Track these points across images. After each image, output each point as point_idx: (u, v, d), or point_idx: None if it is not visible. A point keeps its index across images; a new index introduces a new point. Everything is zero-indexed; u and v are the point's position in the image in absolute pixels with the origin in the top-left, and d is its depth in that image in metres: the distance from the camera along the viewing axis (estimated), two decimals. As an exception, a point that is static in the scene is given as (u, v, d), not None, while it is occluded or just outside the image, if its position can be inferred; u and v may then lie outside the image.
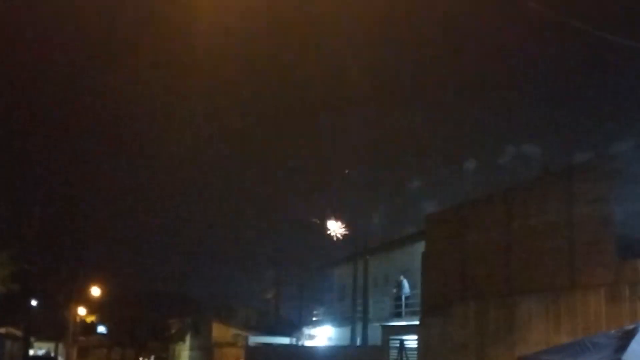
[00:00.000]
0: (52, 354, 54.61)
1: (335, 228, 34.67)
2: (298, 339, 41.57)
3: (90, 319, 55.93)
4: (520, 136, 56.57)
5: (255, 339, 43.20)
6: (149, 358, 58.10)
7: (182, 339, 55.77)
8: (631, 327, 9.78)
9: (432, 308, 22.10)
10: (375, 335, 29.29)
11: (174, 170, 68.89)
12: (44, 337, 52.07)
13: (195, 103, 63.64)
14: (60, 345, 51.29)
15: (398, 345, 25.06)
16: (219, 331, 49.07)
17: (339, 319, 36.51)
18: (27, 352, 45.04)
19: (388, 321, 29.14)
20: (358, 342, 31.01)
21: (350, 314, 32.22)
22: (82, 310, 51.55)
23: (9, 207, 42.45)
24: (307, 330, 40.81)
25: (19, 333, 47.23)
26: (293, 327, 46.18)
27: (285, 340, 42.30)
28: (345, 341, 32.86)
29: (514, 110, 59.20)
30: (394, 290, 29.62)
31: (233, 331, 48.36)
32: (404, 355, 24.54)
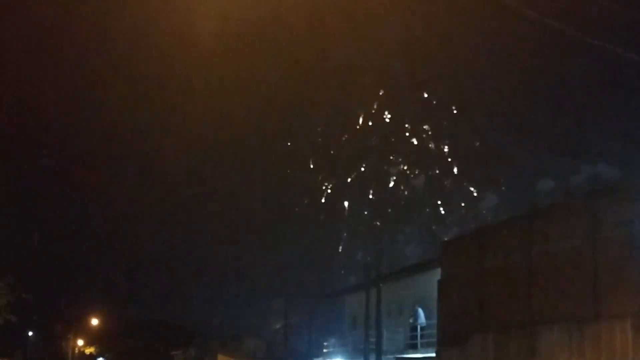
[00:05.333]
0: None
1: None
2: (308, 372, 41.37)
3: (89, 350, 55.79)
4: (541, 156, 56.35)
5: (263, 372, 42.96)
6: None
7: (186, 372, 55.58)
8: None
9: (450, 339, 21.99)
10: (389, 367, 29.09)
11: (177, 195, 68.86)
12: (41, 370, 52.00)
13: (196, 118, 63.61)
14: (58, 378, 51.13)
15: (413, 378, 24.92)
16: (225, 363, 48.83)
17: (351, 351, 36.34)
18: (24, 384, 44.99)
19: (403, 353, 28.98)
20: (371, 374, 30.87)
21: (362, 345, 32.07)
22: (80, 341, 51.49)
23: (6, 235, 42.67)
24: (318, 362, 40.65)
25: (15, 365, 47.21)
26: (302, 358, 45.97)
27: (294, 373, 42.07)
28: (358, 374, 32.72)
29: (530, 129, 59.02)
30: (410, 320, 29.51)
31: (239, 363, 48.12)
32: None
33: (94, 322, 51.52)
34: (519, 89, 58.21)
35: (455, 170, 57.61)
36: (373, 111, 59.16)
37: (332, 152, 59.20)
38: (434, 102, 57.67)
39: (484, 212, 52.75)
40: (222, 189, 66.64)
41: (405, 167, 58.67)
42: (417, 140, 58.48)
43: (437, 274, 23.75)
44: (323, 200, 58.82)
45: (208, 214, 67.57)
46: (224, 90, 63.14)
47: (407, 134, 58.51)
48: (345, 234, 57.79)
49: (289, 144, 61.05)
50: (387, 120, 59.00)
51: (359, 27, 59.33)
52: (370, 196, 57.65)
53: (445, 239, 25.44)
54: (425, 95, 58.34)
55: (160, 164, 65.53)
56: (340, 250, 56.99)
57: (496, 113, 58.37)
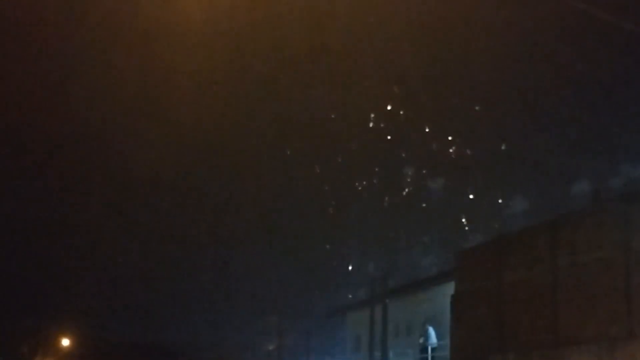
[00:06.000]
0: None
1: None
2: (305, 399, 41.41)
3: (60, 374, 55.81)
4: (565, 155, 56.36)
5: (255, 399, 42.94)
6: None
7: (168, 399, 55.59)
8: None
9: (464, 361, 21.97)
10: (396, 394, 29.10)
11: (162, 202, 68.70)
12: (4, 397, 51.95)
13: (186, 118, 63.53)
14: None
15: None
16: (211, 389, 48.84)
17: (354, 375, 36.40)
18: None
19: (411, 377, 28.97)
20: (376, 402, 30.87)
21: (366, 369, 32.09)
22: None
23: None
24: (316, 388, 40.67)
25: (-25, 392, 47.13)
26: (299, 384, 46.01)
27: (289, 400, 42.10)
28: (361, 401, 32.73)
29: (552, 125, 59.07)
30: (420, 340, 29.47)
31: (228, 389, 48.17)
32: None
33: (66, 343, 51.51)
34: (552, 84, 58.21)
35: (478, 174, 57.71)
36: (386, 111, 59.22)
37: (340, 158, 59.20)
38: (455, 102, 57.69)
39: (511, 219, 52.66)
40: (213, 195, 66.62)
41: (424, 172, 58.77)
42: (435, 142, 58.53)
43: (450, 289, 23.70)
44: (330, 209, 58.82)
45: (195, 222, 67.46)
46: (217, 88, 63.10)
47: (425, 136, 58.58)
48: (352, 245, 57.82)
49: (291, 145, 60.98)
50: (402, 121, 59.07)
51: (371, 18, 59.39)
52: (383, 204, 57.70)
53: (459, 249, 25.34)
54: (445, 94, 58.33)
55: (144, 168, 65.40)
56: (347, 263, 56.98)
57: (525, 111, 58.41)
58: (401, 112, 58.95)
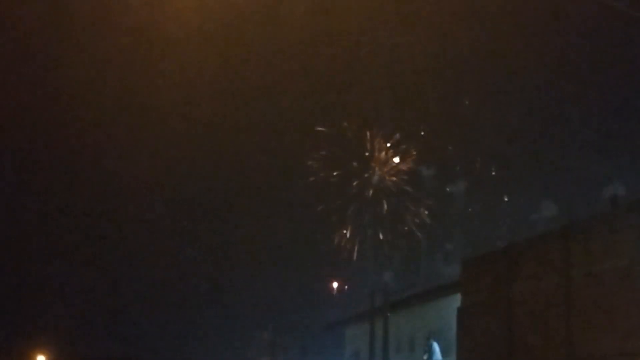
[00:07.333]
0: None
1: None
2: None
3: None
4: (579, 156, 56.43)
5: (246, 419, 42.98)
6: None
7: (153, 420, 55.54)
8: None
9: (471, 379, 21.96)
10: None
11: (146, 209, 68.61)
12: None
13: (180, 129, 63.61)
14: None
15: None
16: (199, 409, 48.88)
17: (352, 394, 36.41)
18: None
19: (415, 396, 28.98)
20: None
21: (366, 387, 32.08)
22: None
23: None
24: (312, 408, 40.67)
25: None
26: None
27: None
28: (361, 421, 32.75)
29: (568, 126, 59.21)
30: (425, 357, 29.47)
31: (217, 409, 48.19)
32: None
33: (41, 359, 51.53)
34: (575, 87, 58.24)
35: (492, 180, 57.85)
36: (399, 117, 59.30)
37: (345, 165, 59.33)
38: (478, 108, 57.80)
39: (525, 226, 52.72)
40: (205, 207, 66.66)
41: (432, 180, 58.93)
42: (448, 149, 58.64)
43: (456, 301, 23.69)
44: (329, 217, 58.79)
45: (186, 234, 67.53)
46: (214, 90, 63.16)
47: (438, 143, 58.68)
48: (351, 254, 57.79)
49: (294, 152, 60.99)
50: (422, 132, 59.26)
51: (386, 18, 59.49)
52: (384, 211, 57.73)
53: (466, 258, 25.31)
54: (460, 100, 58.54)
55: (133, 176, 65.34)
56: (346, 273, 56.97)
57: (543, 115, 58.55)
58: (418, 121, 59.14)
